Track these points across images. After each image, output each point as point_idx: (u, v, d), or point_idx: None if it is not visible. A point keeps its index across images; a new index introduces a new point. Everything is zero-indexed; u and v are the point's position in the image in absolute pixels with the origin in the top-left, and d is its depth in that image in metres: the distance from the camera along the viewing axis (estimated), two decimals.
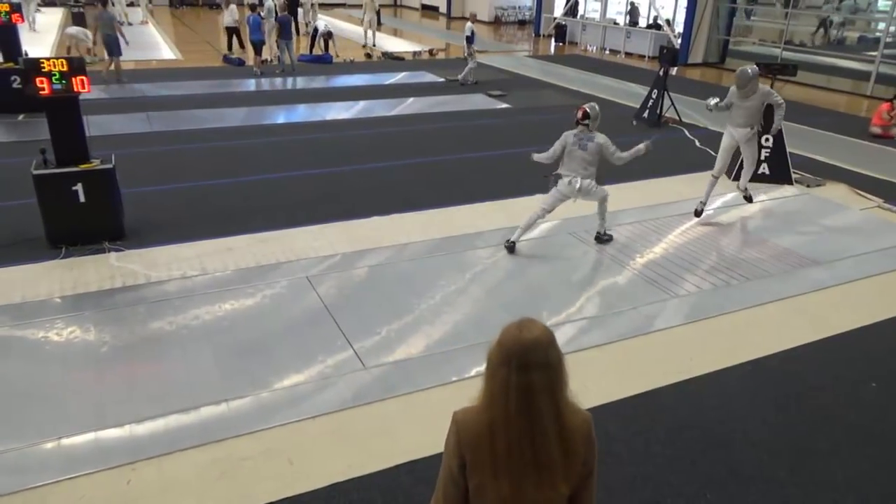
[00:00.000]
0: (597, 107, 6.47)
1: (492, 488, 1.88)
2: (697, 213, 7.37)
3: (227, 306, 5.35)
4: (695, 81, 17.20)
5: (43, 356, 4.63)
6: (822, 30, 18.40)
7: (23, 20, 12.12)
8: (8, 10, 10.69)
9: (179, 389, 4.30)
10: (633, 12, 22.91)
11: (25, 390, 4.26)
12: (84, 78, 5.85)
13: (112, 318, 5.13)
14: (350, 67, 17.42)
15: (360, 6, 28.48)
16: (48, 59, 5.81)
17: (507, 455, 1.85)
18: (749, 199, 7.62)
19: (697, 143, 10.67)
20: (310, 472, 3.65)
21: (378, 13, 19.73)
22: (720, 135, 11.13)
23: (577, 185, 6.27)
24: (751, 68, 7.02)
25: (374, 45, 19.98)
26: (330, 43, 18.18)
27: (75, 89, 5.85)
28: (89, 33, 15.94)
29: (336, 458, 3.74)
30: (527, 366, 1.81)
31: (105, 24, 13.95)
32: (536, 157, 6.58)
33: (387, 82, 15.60)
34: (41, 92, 5.78)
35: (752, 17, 20.02)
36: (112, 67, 14.33)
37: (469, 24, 15.24)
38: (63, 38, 16.78)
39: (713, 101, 7.31)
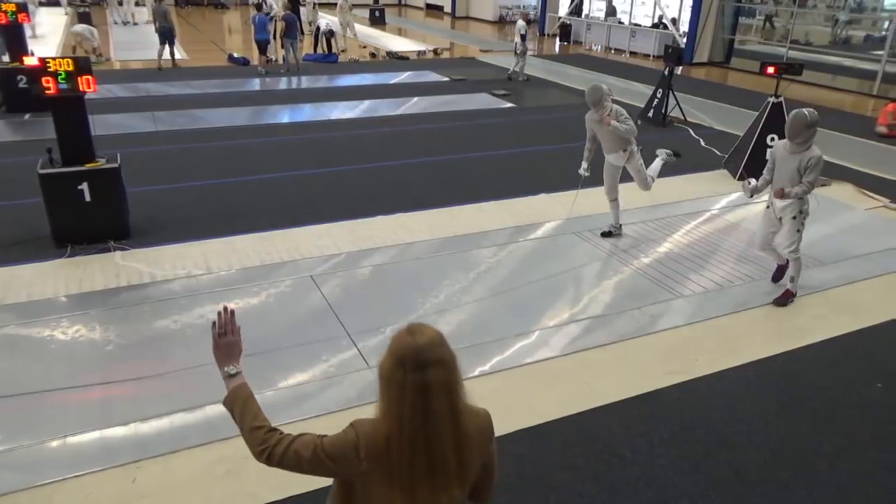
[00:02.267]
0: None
1: (385, 497, 1.86)
2: (607, 234, 6.85)
3: (232, 305, 5.34)
4: (700, 81, 17.17)
5: (49, 354, 4.66)
6: (828, 29, 18.33)
7: (29, 20, 12.15)
8: (14, 9, 10.73)
9: (184, 388, 4.32)
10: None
11: (32, 388, 4.28)
12: (90, 77, 5.87)
13: (117, 316, 5.15)
14: (354, 67, 17.45)
15: (364, 5, 28.58)
16: (53, 58, 5.83)
17: (401, 465, 1.82)
18: (613, 234, 6.90)
19: (702, 143, 10.65)
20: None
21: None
22: (726, 134, 11.22)
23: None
24: (603, 85, 6.40)
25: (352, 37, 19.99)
26: (332, 41, 18.20)
27: (81, 89, 5.87)
28: (95, 31, 16.04)
29: None
30: (422, 365, 1.79)
31: (160, 16, 15.31)
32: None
33: (391, 82, 15.62)
34: (47, 92, 5.81)
35: (757, 17, 19.95)
36: (167, 57, 15.80)
37: (521, 21, 15.75)
38: (69, 36, 16.84)
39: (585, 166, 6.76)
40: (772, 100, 8.67)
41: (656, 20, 22.17)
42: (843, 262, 6.48)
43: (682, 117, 11.89)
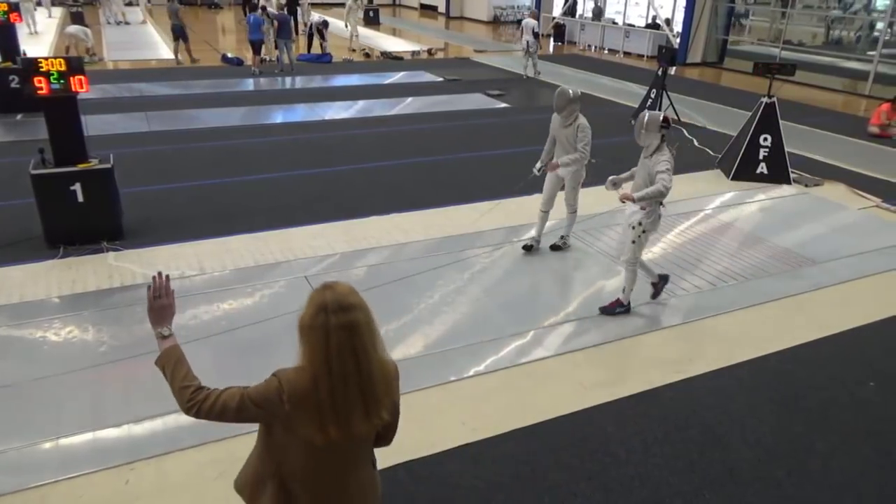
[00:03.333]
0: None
1: (308, 434, 2.00)
2: (528, 248, 6.48)
3: (226, 306, 5.35)
4: (694, 81, 17.22)
5: (41, 356, 4.63)
6: (821, 29, 18.42)
7: (21, 20, 12.09)
8: (6, 9, 10.67)
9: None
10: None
11: (24, 390, 4.26)
12: (82, 77, 5.84)
13: (110, 317, 5.13)
14: (349, 67, 17.42)
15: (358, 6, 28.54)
16: (46, 58, 5.80)
17: (334, 400, 1.97)
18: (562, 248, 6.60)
19: (696, 143, 10.68)
20: None
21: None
22: (720, 134, 11.26)
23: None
24: (572, 90, 5.97)
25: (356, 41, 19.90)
26: (324, 33, 18.08)
27: (74, 89, 5.84)
28: (89, 32, 15.99)
29: None
30: (345, 308, 1.97)
31: (172, 13, 16.15)
32: None
33: (385, 82, 15.60)
34: (39, 92, 5.77)
35: (751, 17, 20.02)
36: (184, 52, 16.61)
37: (532, 20, 16.20)
38: (62, 37, 16.75)
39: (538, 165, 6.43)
40: (765, 100, 8.70)
41: (650, 20, 22.23)
42: (836, 262, 6.51)
43: (676, 117, 11.91)
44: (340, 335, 1.96)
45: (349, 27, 19.89)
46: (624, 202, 5.04)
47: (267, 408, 2.01)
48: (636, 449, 3.91)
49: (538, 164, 6.40)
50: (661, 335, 5.18)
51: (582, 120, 5.92)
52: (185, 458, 3.72)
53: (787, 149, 8.82)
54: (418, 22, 30.55)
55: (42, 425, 3.93)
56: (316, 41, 18.36)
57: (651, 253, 6.58)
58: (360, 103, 13.10)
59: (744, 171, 8.81)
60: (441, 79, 15.93)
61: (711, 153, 9.98)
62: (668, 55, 11.92)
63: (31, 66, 5.72)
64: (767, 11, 19.40)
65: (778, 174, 8.76)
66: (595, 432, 4.02)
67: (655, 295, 5.61)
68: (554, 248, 6.54)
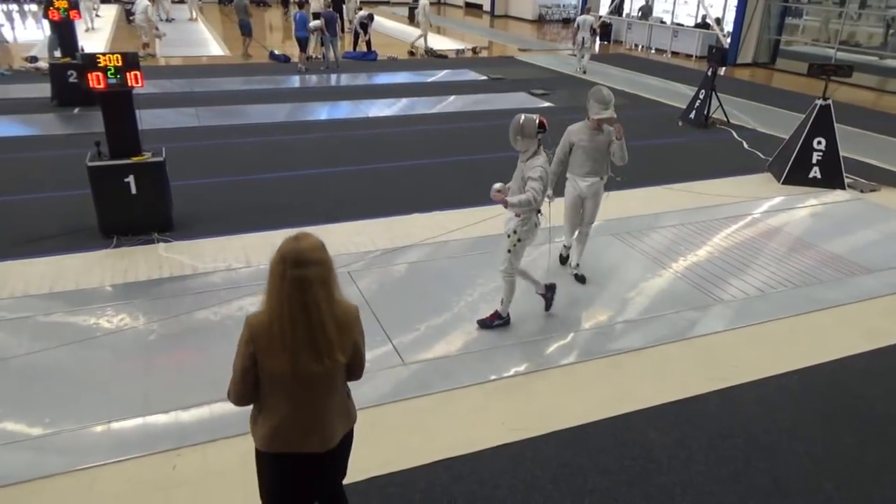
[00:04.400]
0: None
1: (275, 366, 2.38)
2: (563, 260, 6.17)
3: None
4: (744, 82, 16.81)
5: (94, 342, 4.79)
6: (879, 29, 17.77)
7: (80, 17, 12.50)
8: (66, 6, 11.04)
9: (223, 379, 4.36)
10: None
11: (77, 375, 4.41)
12: (138, 73, 6.01)
13: (160, 307, 5.27)
14: (393, 65, 17.52)
15: (403, 4, 28.71)
16: (104, 54, 5.98)
17: (282, 338, 2.33)
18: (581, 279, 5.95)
19: (745, 146, 10.43)
20: (349, 464, 3.68)
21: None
22: (770, 137, 10.98)
23: None
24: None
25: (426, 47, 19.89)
26: (368, 27, 18.21)
27: (129, 84, 6.01)
28: (153, 17, 16.80)
29: (374, 452, 3.77)
30: (301, 262, 2.28)
31: (240, 9, 16.98)
32: None
33: (429, 80, 15.64)
34: (96, 86, 5.96)
35: (805, 17, 19.44)
36: (248, 47, 17.53)
37: (589, 17, 17.02)
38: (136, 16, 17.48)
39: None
40: (819, 102, 8.44)
41: (699, 20, 21.79)
42: (891, 271, 6.29)
43: (725, 119, 11.66)
44: (293, 286, 2.29)
45: (421, 27, 19.82)
46: (497, 201, 4.59)
47: (247, 350, 2.41)
48: (678, 456, 3.84)
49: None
50: (706, 340, 5.07)
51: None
52: (230, 446, 3.80)
53: (841, 153, 8.54)
54: (463, 20, 30.54)
55: (94, 409, 4.06)
56: (361, 39, 18.51)
57: (696, 256, 6.47)
58: (404, 101, 13.16)
59: (796, 175, 8.57)
60: (485, 77, 15.90)
61: (762, 156, 9.73)
62: (719, 55, 11.66)
63: (90, 62, 5.90)
64: (822, 11, 18.80)
65: (832, 179, 8.49)
66: (636, 437, 3.97)
67: (548, 307, 5.28)
68: (579, 278, 5.91)
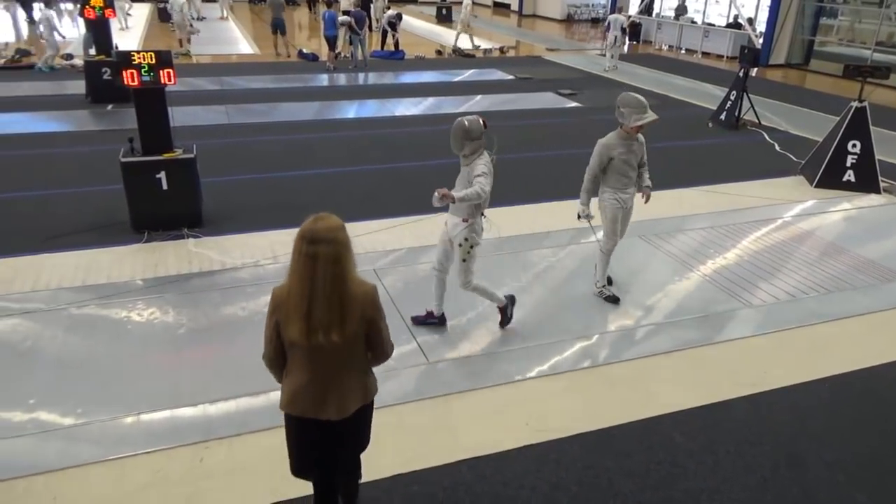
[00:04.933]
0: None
1: (292, 335, 2.60)
2: (614, 300, 5.56)
3: None
4: (776, 83, 16.53)
5: (125, 334, 4.87)
6: None
7: (115, 16, 12.74)
8: (101, 5, 11.25)
9: (250, 373, 4.40)
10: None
11: (109, 366, 4.49)
12: (171, 71, 6.10)
13: (189, 301, 5.35)
14: (420, 64, 17.56)
15: (431, 3, 28.75)
16: (138, 52, 6.08)
17: (296, 308, 2.56)
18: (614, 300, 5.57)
19: (777, 148, 10.26)
20: (371, 461, 3.68)
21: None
22: (803, 139, 10.77)
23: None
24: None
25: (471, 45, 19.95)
26: (396, 26, 18.27)
27: (162, 81, 6.11)
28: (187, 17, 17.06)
29: (397, 450, 3.79)
30: (315, 240, 2.50)
31: (276, 7, 17.22)
32: None
33: (456, 79, 15.65)
34: (130, 84, 6.06)
35: (840, 17, 19.05)
36: (283, 45, 17.84)
37: (621, 16, 17.51)
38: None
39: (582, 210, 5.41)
40: (855, 104, 8.27)
41: (731, 20, 21.48)
42: None
43: (757, 120, 11.48)
44: (305, 262, 2.51)
45: (460, 27, 19.79)
46: (443, 199, 4.49)
47: (272, 320, 2.67)
48: (705, 462, 3.79)
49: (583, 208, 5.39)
50: (735, 346, 5.00)
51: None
52: (256, 440, 3.84)
53: (877, 156, 8.36)
54: (491, 20, 30.49)
55: (123, 401, 4.13)
56: (390, 37, 18.59)
57: (725, 259, 6.38)
58: (430, 100, 13.18)
59: (829, 179, 8.41)
60: (512, 77, 15.86)
61: (794, 158, 9.57)
62: (751, 56, 11.48)
63: (125, 59, 6.00)
64: (859, 11, 18.41)
65: (866, 182, 8.31)
66: (663, 441, 3.92)
67: (504, 322, 5.03)
68: (609, 299, 5.55)
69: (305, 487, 3.16)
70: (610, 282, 5.71)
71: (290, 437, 2.93)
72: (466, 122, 4.57)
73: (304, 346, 2.61)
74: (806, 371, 4.67)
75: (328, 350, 2.63)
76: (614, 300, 5.50)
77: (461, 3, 19.32)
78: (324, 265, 2.51)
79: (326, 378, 2.72)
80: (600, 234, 5.56)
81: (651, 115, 5.06)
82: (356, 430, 2.95)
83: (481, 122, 4.60)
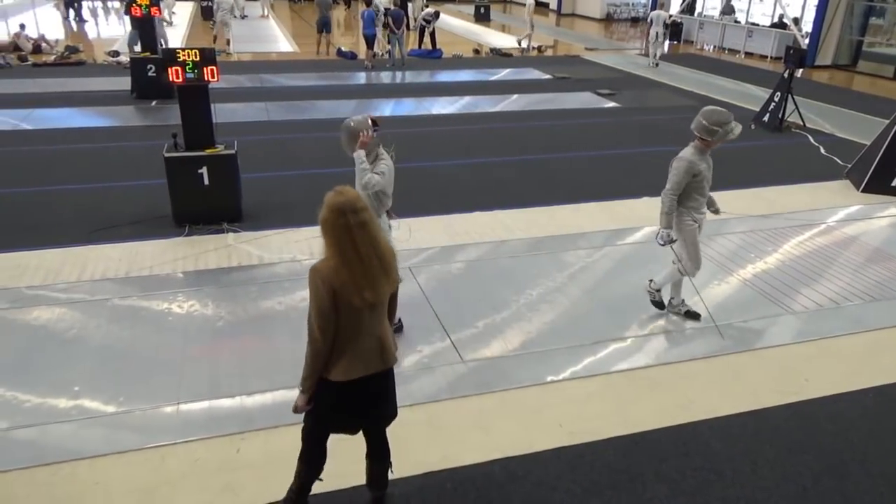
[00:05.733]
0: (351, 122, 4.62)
1: (354, 301, 2.72)
2: (693, 315, 5.29)
3: None
4: (822, 84, 16.10)
5: (166, 326, 4.99)
6: None
7: (160, 13, 13.02)
8: (147, 3, 11.52)
9: (286, 367, 4.49)
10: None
11: (149, 356, 4.60)
12: (214, 68, 6.21)
13: (227, 295, 5.44)
14: (457, 62, 17.56)
15: (469, 2, 28.75)
16: (183, 49, 6.21)
17: (363, 275, 2.71)
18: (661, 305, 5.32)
19: (822, 150, 10.00)
20: (405, 458, 3.71)
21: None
22: (850, 142, 10.48)
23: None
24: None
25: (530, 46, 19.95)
26: (433, 23, 18.30)
27: (206, 78, 6.22)
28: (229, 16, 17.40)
29: (431, 447, 3.80)
30: (357, 210, 2.69)
31: (323, 6, 17.34)
32: None
33: (492, 78, 15.61)
34: (175, 80, 6.19)
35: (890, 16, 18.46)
36: (325, 43, 18.01)
37: (663, 12, 17.55)
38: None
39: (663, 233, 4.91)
40: None
41: (776, 19, 21.00)
42: None
43: (801, 123, 11.20)
44: (359, 229, 2.68)
45: (528, 24, 19.81)
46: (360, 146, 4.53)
47: (327, 292, 2.71)
48: (743, 469, 3.72)
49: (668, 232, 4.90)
50: (775, 352, 4.89)
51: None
52: (292, 433, 3.85)
53: None
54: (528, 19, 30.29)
55: (164, 390, 4.23)
56: (427, 36, 18.64)
57: (766, 263, 6.24)
58: (467, 99, 13.17)
59: (877, 183, 8.16)
60: (549, 76, 15.76)
61: (840, 162, 9.31)
62: (796, 56, 11.20)
63: (171, 57, 6.13)
64: None
65: None
66: (699, 448, 3.86)
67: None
68: (690, 315, 5.30)
69: (330, 483, 3.18)
70: (692, 315, 5.30)
71: (331, 408, 3.00)
72: (352, 122, 4.52)
73: (369, 306, 2.77)
74: (849, 380, 4.54)
75: (380, 305, 2.86)
76: (695, 316, 5.23)
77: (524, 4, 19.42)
78: (372, 228, 2.72)
79: (381, 331, 2.93)
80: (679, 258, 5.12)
81: (738, 125, 4.75)
82: (393, 385, 3.17)
83: (369, 120, 4.55)
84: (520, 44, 19.87)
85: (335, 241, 2.70)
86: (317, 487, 3.30)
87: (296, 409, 3.02)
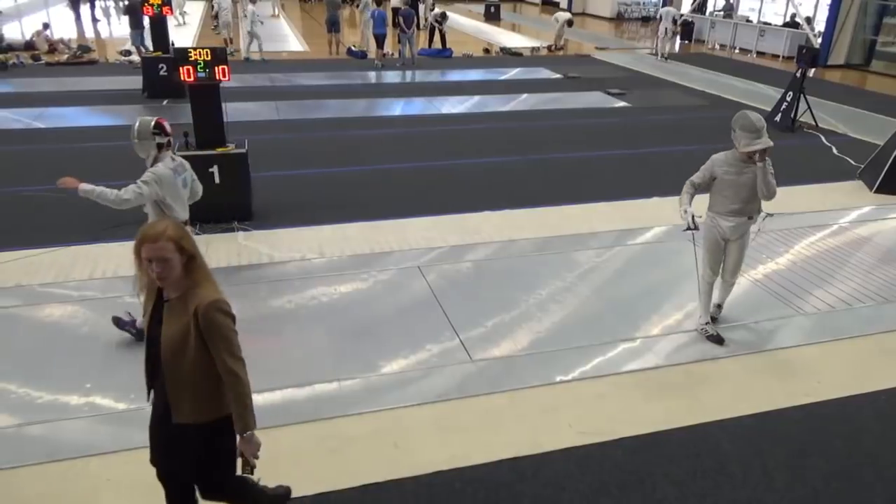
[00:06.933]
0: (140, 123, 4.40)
1: None
2: (717, 340, 4.92)
3: (342, 289, 5.55)
4: (835, 84, 15.97)
5: None
6: None
7: (172, 13, 13.10)
8: (160, 2, 11.58)
9: (295, 365, 4.52)
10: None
11: None
12: (226, 67, 6.24)
13: (237, 293, 5.44)
14: (467, 62, 17.56)
15: (479, 1, 28.73)
16: (195, 48, 6.24)
17: None
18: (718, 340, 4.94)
19: (835, 151, 9.92)
20: (414, 457, 3.73)
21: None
22: (862, 143, 10.40)
23: None
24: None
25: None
26: (444, 25, 18.30)
27: (217, 78, 6.25)
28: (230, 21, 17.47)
29: (440, 447, 3.80)
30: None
31: (332, 6, 17.41)
32: None
33: (502, 78, 15.60)
34: (187, 80, 6.22)
35: None
36: (335, 42, 18.03)
37: (672, 8, 18.95)
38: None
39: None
40: None
41: (788, 18, 20.86)
42: None
43: (814, 123, 11.11)
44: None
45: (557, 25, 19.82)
46: (63, 184, 4.14)
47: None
48: (754, 471, 3.69)
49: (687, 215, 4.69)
50: (786, 353, 4.86)
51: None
52: (300, 432, 3.90)
53: None
54: (539, 18, 30.29)
55: None
56: (437, 35, 18.65)
57: (777, 264, 6.20)
58: (476, 98, 13.17)
59: (890, 184, 8.08)
60: (560, 76, 15.72)
61: (852, 163, 9.24)
62: (809, 56, 11.12)
63: (182, 56, 6.16)
64: None
65: None
66: (710, 449, 3.84)
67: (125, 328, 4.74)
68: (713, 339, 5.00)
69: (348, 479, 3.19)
70: (715, 319, 5.12)
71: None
72: (136, 123, 4.32)
73: None
74: (862, 383, 4.50)
75: None
76: (717, 340, 4.89)
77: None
78: None
79: None
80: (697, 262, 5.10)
81: (762, 143, 4.39)
82: None
83: (153, 122, 4.32)
84: (550, 49, 19.88)
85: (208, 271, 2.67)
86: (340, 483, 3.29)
87: (254, 460, 2.76)
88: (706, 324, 5.00)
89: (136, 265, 2.58)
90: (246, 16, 17.06)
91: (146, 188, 4.26)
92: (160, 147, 4.38)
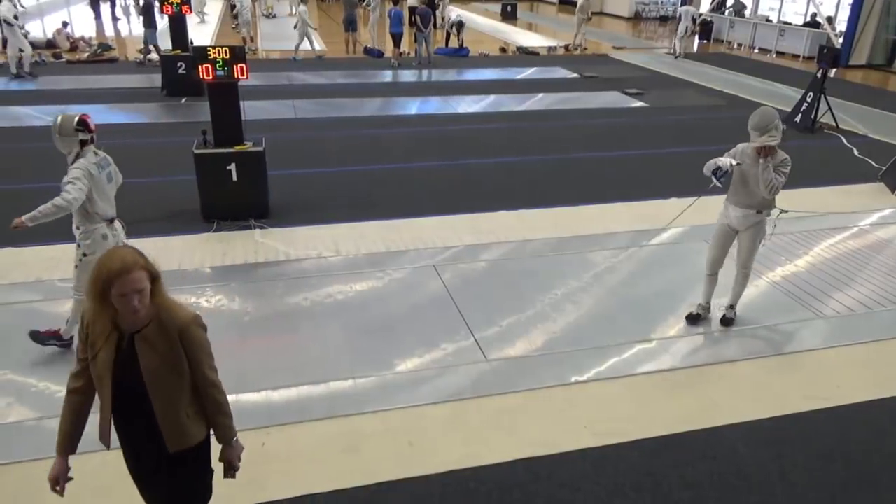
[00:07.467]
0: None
1: None
2: (694, 319, 5.15)
3: (358, 287, 5.57)
4: (857, 85, 15.76)
5: None
6: None
7: (191, 12, 13.19)
8: (178, 1, 11.68)
9: (311, 363, 4.55)
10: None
11: None
12: (244, 66, 6.28)
13: (254, 290, 5.50)
14: (483, 61, 17.53)
15: (496, 0, 28.65)
16: (214, 47, 6.28)
17: None
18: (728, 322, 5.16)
19: (856, 152, 9.80)
20: (428, 455, 3.73)
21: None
22: (885, 144, 10.26)
23: None
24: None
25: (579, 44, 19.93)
26: (461, 33, 18.32)
27: (235, 76, 6.29)
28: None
29: (454, 446, 3.81)
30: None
31: (349, 5, 17.58)
32: None
33: (518, 77, 15.56)
34: (205, 78, 6.27)
35: None
36: (352, 41, 18.20)
37: (691, 7, 18.92)
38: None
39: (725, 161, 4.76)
40: None
41: (809, 18, 20.61)
42: None
43: (835, 124, 10.97)
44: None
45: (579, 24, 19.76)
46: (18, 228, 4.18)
47: None
48: (771, 475, 3.66)
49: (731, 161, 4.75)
50: (805, 357, 4.81)
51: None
52: (315, 429, 3.92)
53: None
54: (556, 17, 30.17)
55: None
56: (454, 37, 18.64)
57: (796, 267, 6.13)
58: (492, 97, 13.15)
59: None
60: (576, 75, 15.65)
61: (874, 164, 9.12)
62: (830, 56, 10.99)
63: (202, 54, 6.21)
64: None
65: None
66: (726, 452, 3.81)
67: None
68: (725, 321, 5.16)
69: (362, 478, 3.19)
70: (692, 319, 5.16)
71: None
72: (58, 118, 4.23)
73: None
74: (882, 387, 4.44)
75: None
76: (693, 319, 5.11)
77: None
78: None
79: None
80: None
81: (763, 139, 4.51)
82: None
83: (77, 118, 4.23)
84: (567, 48, 19.81)
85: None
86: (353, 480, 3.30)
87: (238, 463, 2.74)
88: (697, 305, 5.21)
89: (93, 309, 2.32)
90: (296, 14, 17.24)
91: (80, 183, 4.16)
92: (83, 143, 4.29)
